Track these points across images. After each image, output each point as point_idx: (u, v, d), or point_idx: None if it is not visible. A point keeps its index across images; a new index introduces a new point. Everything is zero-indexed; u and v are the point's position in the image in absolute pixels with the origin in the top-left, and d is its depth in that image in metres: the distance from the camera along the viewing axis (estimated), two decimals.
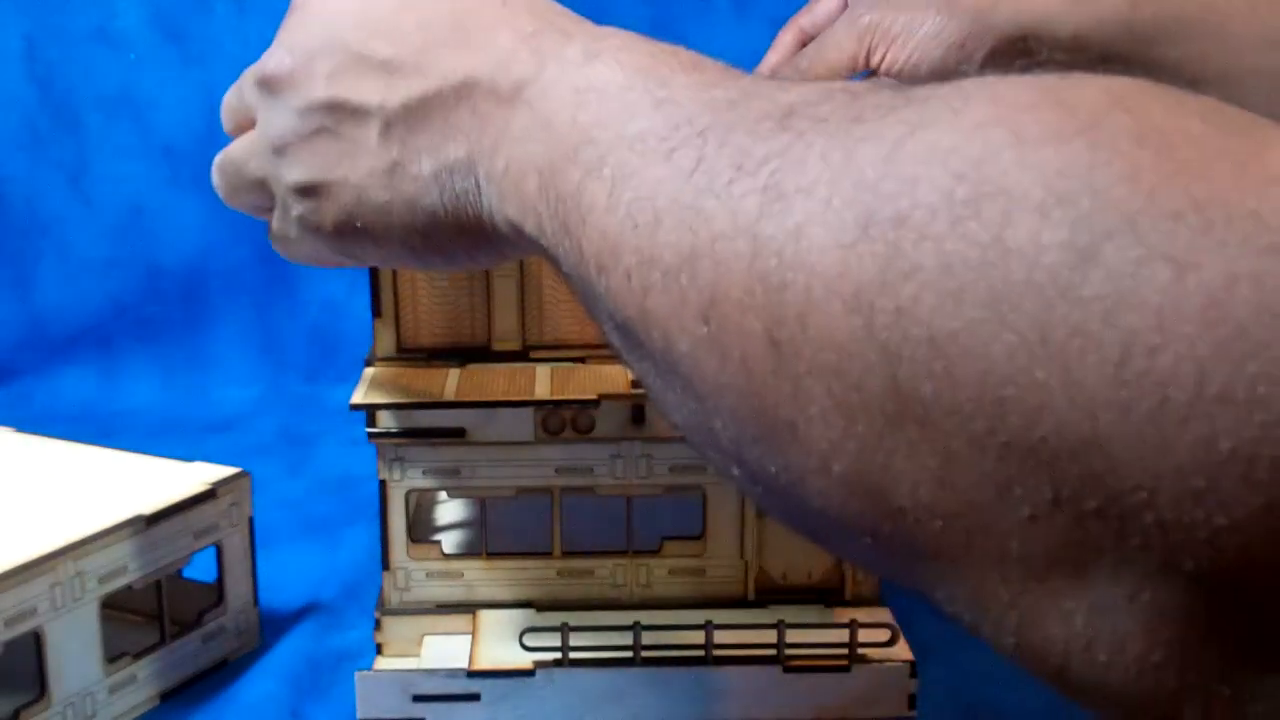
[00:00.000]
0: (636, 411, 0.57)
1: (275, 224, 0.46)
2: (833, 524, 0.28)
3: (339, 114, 0.41)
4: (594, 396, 0.57)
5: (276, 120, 0.43)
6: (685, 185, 0.30)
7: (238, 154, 0.46)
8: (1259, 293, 0.21)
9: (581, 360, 0.61)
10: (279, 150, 0.43)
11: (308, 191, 0.43)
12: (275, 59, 0.43)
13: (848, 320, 0.25)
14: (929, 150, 0.25)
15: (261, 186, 0.45)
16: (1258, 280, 0.21)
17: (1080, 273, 0.22)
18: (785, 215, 0.27)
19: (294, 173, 0.43)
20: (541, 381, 0.58)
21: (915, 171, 0.25)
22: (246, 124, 0.46)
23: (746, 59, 0.49)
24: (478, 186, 0.39)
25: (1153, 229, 0.22)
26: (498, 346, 0.61)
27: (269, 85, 0.43)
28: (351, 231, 0.42)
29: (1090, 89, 0.25)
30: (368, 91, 0.40)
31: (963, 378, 0.24)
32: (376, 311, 0.60)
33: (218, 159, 0.48)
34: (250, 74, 0.45)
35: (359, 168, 0.41)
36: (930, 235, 0.24)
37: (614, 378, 0.59)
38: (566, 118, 0.35)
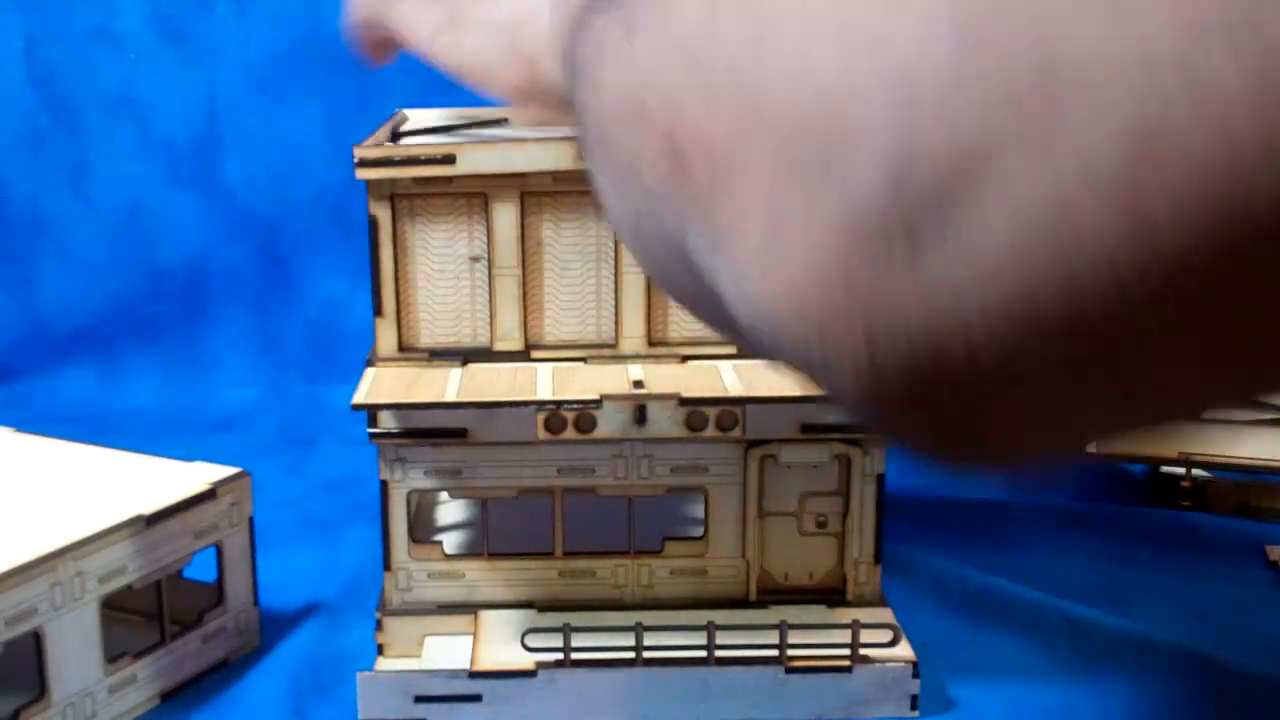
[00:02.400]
0: (639, 412, 0.57)
1: None
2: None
3: None
4: (596, 396, 0.57)
5: None
6: None
7: None
8: None
9: (583, 360, 0.60)
10: None
11: None
12: None
13: None
14: None
15: None
16: None
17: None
18: None
19: None
20: (543, 381, 0.58)
21: None
22: None
23: None
24: None
25: None
26: (499, 346, 0.60)
27: None
28: None
29: None
30: None
31: None
32: (378, 311, 0.60)
33: None
34: None
35: None
36: None
37: (615, 378, 0.59)
38: None
